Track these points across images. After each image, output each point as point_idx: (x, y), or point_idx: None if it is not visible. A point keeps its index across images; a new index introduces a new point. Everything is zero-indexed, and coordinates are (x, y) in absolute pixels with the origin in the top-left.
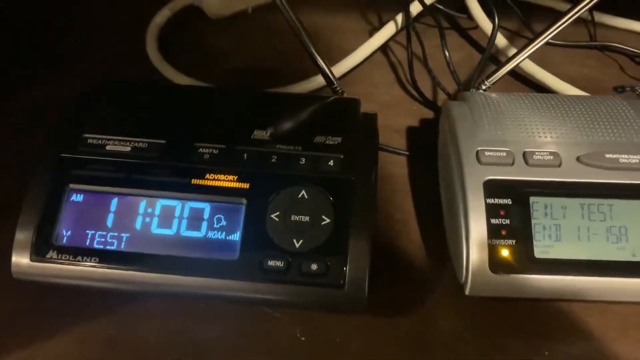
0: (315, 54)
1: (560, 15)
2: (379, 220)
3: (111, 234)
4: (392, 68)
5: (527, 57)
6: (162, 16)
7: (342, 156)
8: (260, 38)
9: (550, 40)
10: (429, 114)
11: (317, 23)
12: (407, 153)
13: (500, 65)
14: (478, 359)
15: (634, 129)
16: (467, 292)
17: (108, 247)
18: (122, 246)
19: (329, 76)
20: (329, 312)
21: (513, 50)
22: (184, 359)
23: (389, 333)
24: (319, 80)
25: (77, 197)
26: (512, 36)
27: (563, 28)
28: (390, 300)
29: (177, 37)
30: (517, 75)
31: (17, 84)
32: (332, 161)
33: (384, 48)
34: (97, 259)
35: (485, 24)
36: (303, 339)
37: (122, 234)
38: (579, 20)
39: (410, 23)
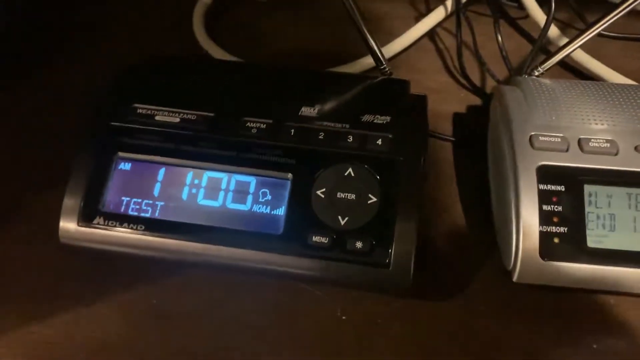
0: (366, 32)
1: (615, 5)
2: (425, 205)
3: (158, 202)
4: (439, 54)
5: (580, 46)
6: None
7: (390, 136)
8: (307, 20)
9: (603, 32)
10: (476, 101)
11: (364, 8)
12: (453, 139)
13: (553, 52)
14: (520, 346)
15: None
16: (514, 278)
17: (154, 216)
18: (168, 215)
19: (378, 56)
20: (372, 292)
21: (564, 40)
22: (223, 331)
23: (431, 317)
24: (365, 63)
25: (126, 166)
26: (563, 27)
27: (619, 20)
28: (434, 285)
29: (224, 18)
30: (567, 66)
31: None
32: (380, 140)
33: (431, 34)
34: (143, 227)
35: (536, 13)
36: (344, 318)
37: (169, 204)
38: (636, 12)
39: (460, 8)
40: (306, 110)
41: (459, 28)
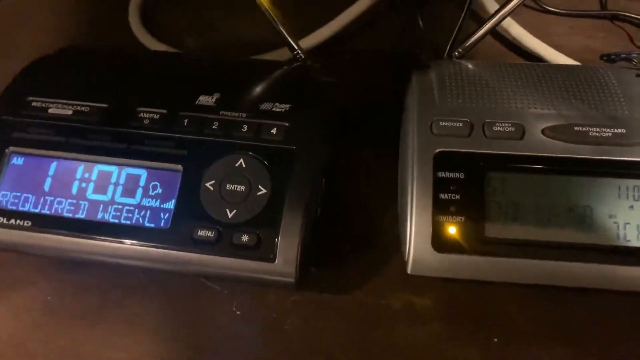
0: (274, 17)
1: None
2: (335, 198)
3: (48, 197)
4: (375, 36)
5: (496, 24)
6: None
7: (287, 124)
8: (248, 7)
9: (553, 9)
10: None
11: None
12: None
13: (471, 32)
14: (420, 345)
15: (612, 101)
16: (408, 270)
17: (43, 211)
18: (57, 210)
19: (290, 43)
20: (261, 286)
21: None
22: (116, 328)
23: (327, 311)
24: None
25: (18, 160)
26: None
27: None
28: (336, 280)
29: (162, 9)
30: (510, 44)
31: None
32: (275, 129)
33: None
34: (32, 223)
35: None
36: (238, 312)
37: (58, 199)
38: None
39: None
40: (204, 99)
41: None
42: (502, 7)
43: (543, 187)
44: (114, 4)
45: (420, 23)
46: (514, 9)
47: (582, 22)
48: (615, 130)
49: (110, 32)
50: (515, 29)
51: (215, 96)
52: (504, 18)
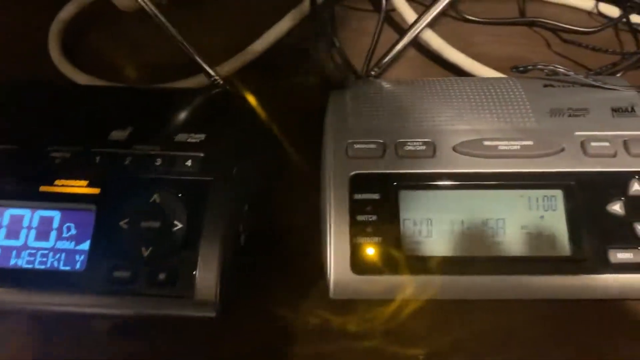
0: (186, 45)
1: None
2: (264, 221)
3: None
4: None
5: (415, 36)
6: (66, 12)
7: (202, 155)
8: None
9: (473, 18)
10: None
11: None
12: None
13: (387, 50)
14: None
15: (521, 113)
16: (330, 294)
17: None
18: None
19: (206, 69)
20: (181, 323)
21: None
22: None
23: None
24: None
25: None
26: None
27: (490, 4)
28: (256, 312)
29: (84, 34)
30: (432, 56)
31: None
32: (189, 161)
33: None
34: None
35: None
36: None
37: None
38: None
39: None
40: (116, 134)
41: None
42: (415, 22)
43: (456, 202)
44: (32, 35)
45: (337, 42)
46: (425, 24)
47: (503, 30)
48: (523, 143)
49: (28, 64)
50: (435, 41)
51: (128, 130)
52: (416, 33)
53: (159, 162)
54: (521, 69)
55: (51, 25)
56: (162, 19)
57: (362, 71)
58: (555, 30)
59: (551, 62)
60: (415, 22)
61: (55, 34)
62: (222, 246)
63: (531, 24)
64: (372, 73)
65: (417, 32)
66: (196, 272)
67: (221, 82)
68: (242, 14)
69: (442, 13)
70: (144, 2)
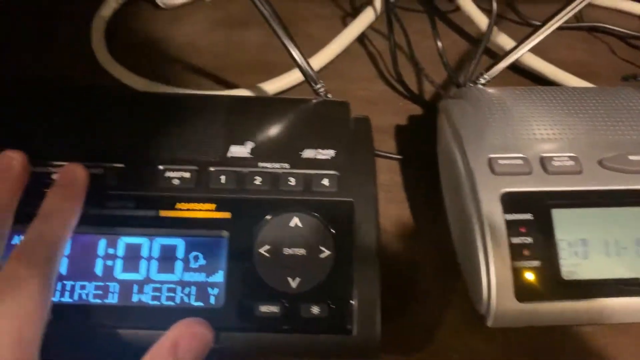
0: (294, 48)
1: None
2: None
3: (67, 282)
4: (370, 59)
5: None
6: (108, 8)
7: (337, 173)
8: (220, 31)
9: (535, 23)
10: (416, 110)
11: (279, 9)
12: (399, 157)
13: (501, 57)
14: None
15: None
16: (489, 323)
17: (63, 300)
18: (82, 297)
19: (310, 75)
20: None
21: (501, 37)
22: None
23: None
24: (291, 79)
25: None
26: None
27: (546, 10)
28: (399, 335)
29: (125, 32)
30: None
31: None
32: (326, 180)
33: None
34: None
35: (469, 8)
36: None
37: (80, 282)
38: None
39: (391, 8)
40: (236, 150)
41: (392, 31)
42: (537, 29)
43: (608, 220)
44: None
45: (439, 44)
46: (548, 32)
47: (565, 35)
48: None
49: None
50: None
51: (249, 145)
52: (535, 42)
53: (292, 181)
54: (629, 79)
55: (93, 22)
56: (270, 11)
57: (469, 78)
58: (614, 35)
59: (618, 68)
60: (534, 31)
61: (98, 32)
62: (379, 274)
63: (591, 29)
64: (482, 81)
65: (536, 41)
66: (354, 305)
67: (327, 91)
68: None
69: (502, 16)
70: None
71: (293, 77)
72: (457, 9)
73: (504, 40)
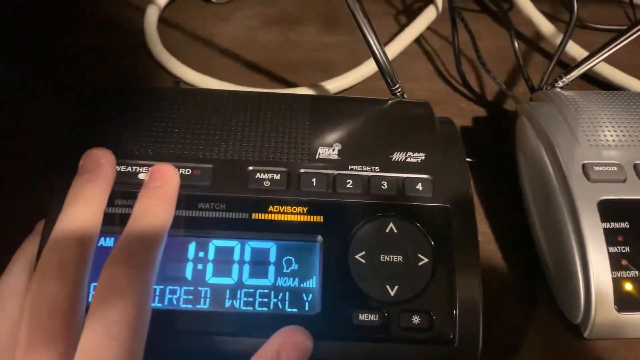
0: (379, 47)
1: None
2: None
3: (157, 287)
4: (428, 58)
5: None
6: (160, 1)
7: (430, 177)
8: (271, 27)
9: (594, 25)
10: (480, 111)
11: (326, 9)
12: (469, 159)
13: (579, 62)
14: None
15: None
16: (587, 334)
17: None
18: (172, 302)
19: (391, 76)
20: None
21: (560, 38)
22: None
23: None
24: (359, 75)
25: (108, 242)
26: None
27: (596, 10)
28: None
29: (175, 27)
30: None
31: None
32: (419, 184)
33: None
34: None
35: (526, 4)
36: None
37: (170, 287)
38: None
39: (454, 7)
40: (325, 152)
41: (456, 32)
42: (622, 34)
43: None
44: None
45: (517, 47)
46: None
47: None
48: None
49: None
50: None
51: (336, 147)
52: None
53: (385, 185)
54: None
55: (145, 17)
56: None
57: (545, 82)
58: None
59: None
60: (614, 39)
61: (151, 26)
62: (480, 283)
63: None
64: (560, 85)
65: (615, 49)
66: (456, 315)
67: (404, 91)
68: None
69: (557, 19)
70: None
71: (358, 76)
72: (510, 8)
73: (572, 48)
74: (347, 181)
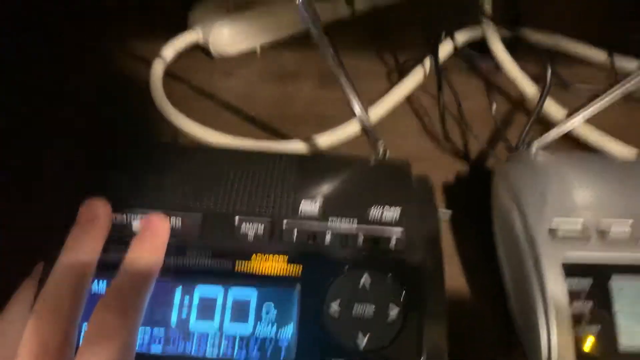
0: (360, 107)
1: None
2: None
3: (145, 327)
4: (416, 116)
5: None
6: (166, 56)
7: (404, 230)
8: (272, 82)
9: (579, 86)
10: (463, 167)
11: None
12: (449, 211)
13: (560, 123)
14: None
15: None
16: None
17: (142, 350)
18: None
19: (372, 132)
20: None
21: (550, 104)
22: None
23: None
24: (346, 132)
25: (100, 287)
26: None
27: (581, 70)
28: None
29: (180, 80)
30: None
31: None
32: (394, 237)
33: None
34: None
35: (509, 66)
36: None
37: (157, 328)
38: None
39: (441, 70)
40: (307, 205)
41: (441, 93)
42: (601, 96)
43: None
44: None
45: (494, 108)
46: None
47: None
48: None
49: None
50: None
51: (318, 201)
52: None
53: (361, 237)
54: None
55: (151, 70)
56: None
57: (522, 142)
58: None
59: None
60: (594, 101)
61: (157, 79)
62: (446, 334)
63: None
64: (536, 145)
65: (595, 111)
66: None
67: (386, 148)
68: None
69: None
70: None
71: (348, 131)
72: (496, 69)
73: (553, 108)
74: (327, 233)
